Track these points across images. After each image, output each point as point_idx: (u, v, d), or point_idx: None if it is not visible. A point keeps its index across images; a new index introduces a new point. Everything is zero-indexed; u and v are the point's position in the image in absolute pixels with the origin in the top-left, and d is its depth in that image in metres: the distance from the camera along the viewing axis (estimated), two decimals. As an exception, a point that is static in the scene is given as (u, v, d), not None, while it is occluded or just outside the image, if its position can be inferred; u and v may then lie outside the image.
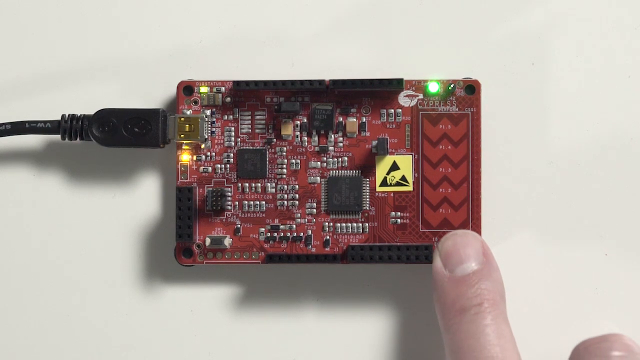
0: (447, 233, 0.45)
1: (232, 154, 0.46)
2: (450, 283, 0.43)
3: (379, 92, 0.46)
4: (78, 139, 0.46)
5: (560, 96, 0.47)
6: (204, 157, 0.46)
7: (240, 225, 0.46)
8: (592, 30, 0.47)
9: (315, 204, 0.46)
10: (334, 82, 0.45)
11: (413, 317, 0.47)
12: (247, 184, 0.46)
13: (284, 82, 0.45)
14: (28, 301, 0.48)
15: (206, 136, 0.46)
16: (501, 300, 0.43)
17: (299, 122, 0.46)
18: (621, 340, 0.43)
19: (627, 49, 0.47)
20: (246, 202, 0.46)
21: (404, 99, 0.46)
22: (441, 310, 0.43)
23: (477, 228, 0.46)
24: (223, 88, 0.46)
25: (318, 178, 0.46)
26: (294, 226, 0.46)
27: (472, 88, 0.46)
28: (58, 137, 0.47)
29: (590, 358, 0.42)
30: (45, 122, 0.46)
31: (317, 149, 0.46)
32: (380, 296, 0.47)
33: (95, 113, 0.46)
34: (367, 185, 0.46)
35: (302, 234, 0.46)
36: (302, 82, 0.45)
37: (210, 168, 0.46)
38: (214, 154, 0.46)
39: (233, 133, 0.46)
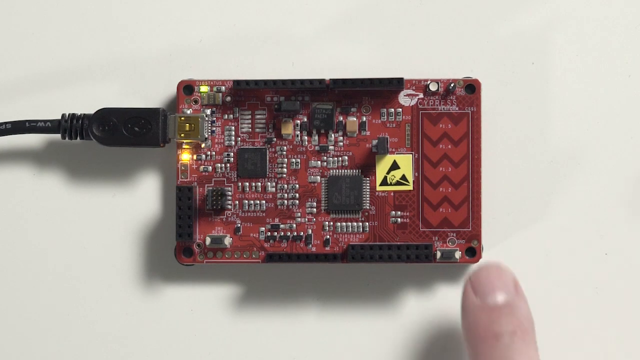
0: (479, 263, 0.45)
1: (232, 153, 0.46)
2: (482, 311, 0.43)
3: (379, 92, 0.46)
4: (78, 138, 0.46)
5: (561, 95, 0.47)
6: (204, 156, 0.46)
7: (241, 224, 0.46)
8: (592, 30, 0.47)
9: (315, 203, 0.46)
10: (334, 82, 0.45)
11: (413, 317, 0.47)
12: (247, 183, 0.46)
13: (284, 82, 0.45)
14: (28, 301, 0.48)
15: (206, 135, 0.46)
16: (532, 330, 0.43)
17: (299, 122, 0.46)
18: None
19: (627, 48, 0.47)
20: (246, 201, 0.46)
21: (404, 98, 0.46)
22: (472, 335, 0.43)
23: (477, 227, 0.46)
24: (223, 87, 0.46)
25: (318, 177, 0.46)
26: (294, 225, 0.46)
27: (472, 87, 0.46)
28: (58, 136, 0.47)
29: None
30: (45, 121, 0.46)
31: (317, 148, 0.46)
32: (380, 296, 0.47)
33: (96, 112, 0.46)
34: (368, 184, 0.46)
35: (302, 233, 0.46)
36: (302, 81, 0.45)
37: (210, 167, 0.46)
38: (214, 153, 0.46)
39: (233, 132, 0.46)
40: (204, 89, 0.46)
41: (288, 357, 0.47)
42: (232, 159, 0.46)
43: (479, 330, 0.43)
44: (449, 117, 0.46)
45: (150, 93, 0.48)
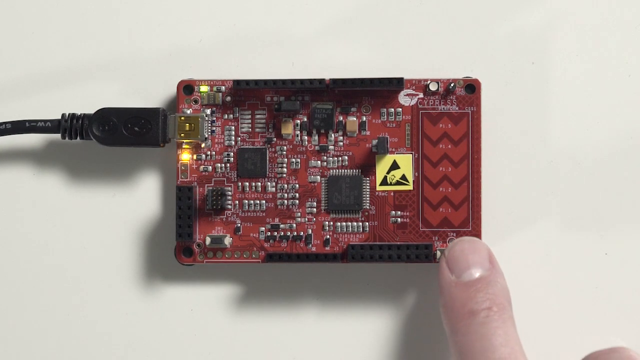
0: (454, 239, 0.45)
1: (232, 153, 0.46)
2: (457, 287, 0.43)
3: (379, 91, 0.46)
4: (78, 138, 0.46)
5: (560, 95, 0.47)
6: (204, 156, 0.46)
7: (241, 224, 0.46)
8: (592, 30, 0.47)
9: (315, 203, 0.46)
10: (334, 81, 0.45)
11: (413, 317, 0.47)
12: (247, 183, 0.46)
13: (284, 81, 0.45)
14: (28, 301, 0.48)
15: (206, 135, 0.46)
16: (508, 305, 0.43)
17: (299, 121, 0.46)
18: (627, 352, 0.43)
19: (627, 48, 0.47)
20: (246, 201, 0.46)
21: (404, 98, 0.46)
22: (449, 313, 0.43)
23: (477, 227, 0.46)
24: (223, 87, 0.46)
25: (318, 177, 0.46)
26: (294, 225, 0.46)
27: (472, 87, 0.46)
28: (58, 136, 0.47)
29: None
30: (45, 121, 0.46)
31: (317, 148, 0.46)
32: (380, 296, 0.47)
33: (96, 112, 0.46)
34: (367, 184, 0.46)
35: (302, 233, 0.46)
36: (302, 81, 0.45)
37: (210, 167, 0.46)
38: (214, 153, 0.46)
39: (233, 132, 0.46)
40: (204, 88, 0.46)
41: (288, 357, 0.47)
42: (232, 158, 0.46)
43: (455, 308, 0.43)
44: (449, 117, 0.46)
45: (150, 93, 0.48)
